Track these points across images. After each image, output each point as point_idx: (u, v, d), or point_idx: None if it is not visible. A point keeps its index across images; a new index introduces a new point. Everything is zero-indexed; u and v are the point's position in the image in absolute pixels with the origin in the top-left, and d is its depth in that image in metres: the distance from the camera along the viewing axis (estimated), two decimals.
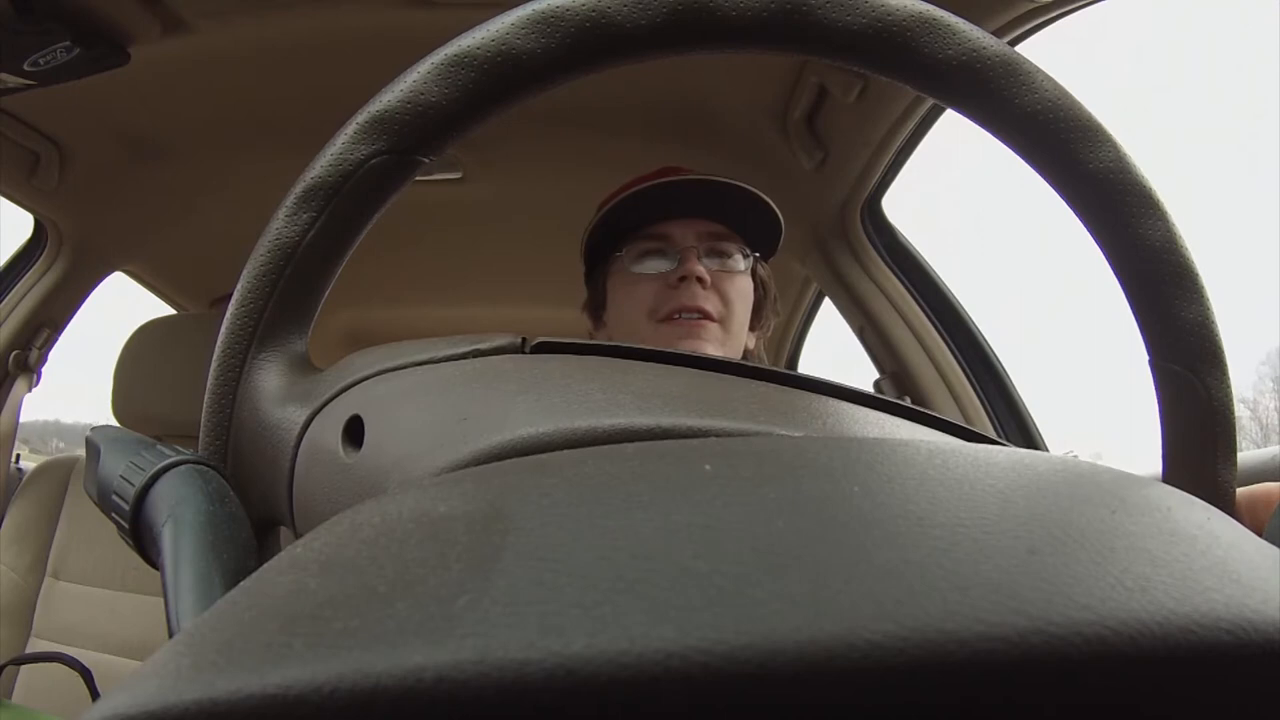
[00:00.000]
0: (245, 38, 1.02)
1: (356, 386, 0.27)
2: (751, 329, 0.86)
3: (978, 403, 1.19)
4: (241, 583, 0.16)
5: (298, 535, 0.28)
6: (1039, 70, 0.27)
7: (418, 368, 0.28)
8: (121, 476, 0.27)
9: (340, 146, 0.27)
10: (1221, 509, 0.29)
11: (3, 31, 0.88)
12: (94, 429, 0.30)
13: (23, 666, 1.17)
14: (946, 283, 1.26)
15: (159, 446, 0.28)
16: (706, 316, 0.79)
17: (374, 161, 0.27)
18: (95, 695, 0.88)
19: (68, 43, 0.92)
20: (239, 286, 0.29)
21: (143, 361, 1.22)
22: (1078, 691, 0.12)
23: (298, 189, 0.28)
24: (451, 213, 1.45)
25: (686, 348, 0.77)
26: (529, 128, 1.17)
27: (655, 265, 0.81)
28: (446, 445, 0.23)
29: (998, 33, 0.84)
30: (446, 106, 0.26)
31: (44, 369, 1.46)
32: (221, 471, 0.28)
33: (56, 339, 1.45)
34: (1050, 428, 1.21)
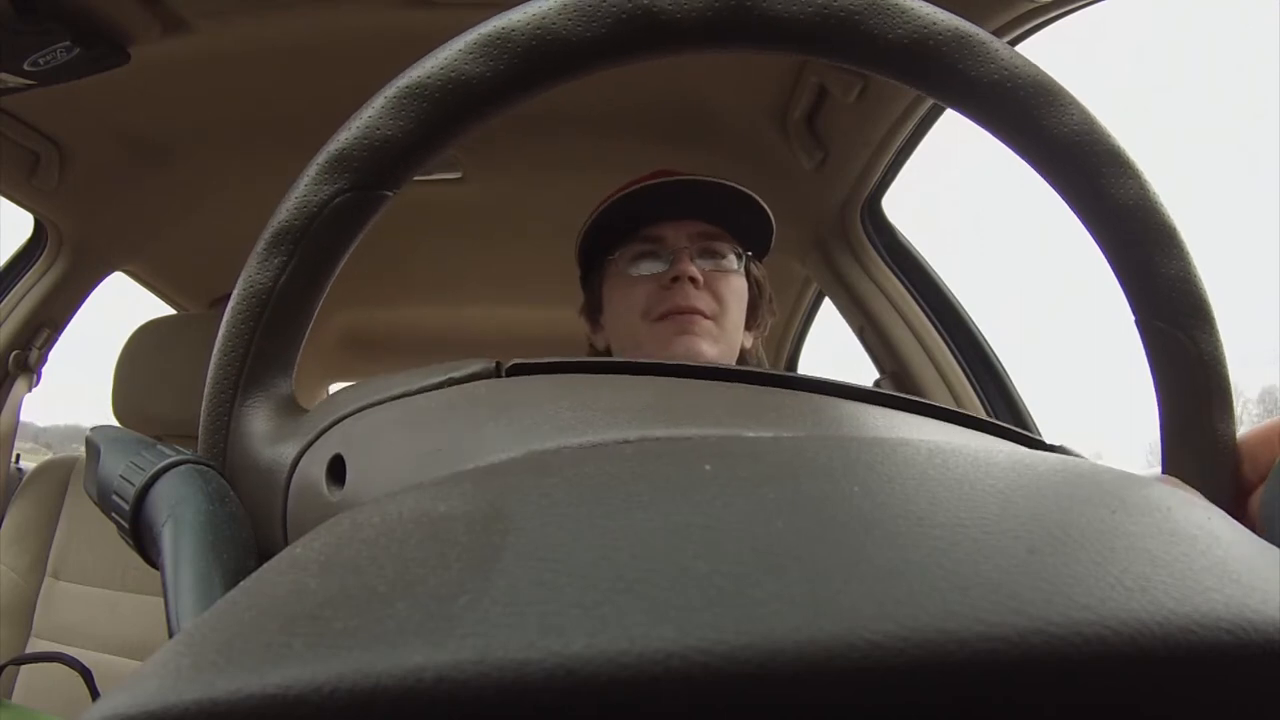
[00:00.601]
0: (245, 38, 1.02)
1: (337, 425, 0.27)
2: (747, 328, 0.86)
3: (978, 402, 1.19)
4: (241, 583, 0.16)
5: None
6: (994, 40, 0.26)
7: (394, 402, 0.28)
8: (121, 476, 0.27)
9: (303, 189, 0.27)
10: (1223, 461, 0.29)
11: (3, 31, 0.88)
12: (94, 429, 0.30)
13: (23, 666, 1.17)
14: (946, 283, 1.26)
15: (159, 446, 0.28)
16: (700, 315, 0.79)
17: (337, 201, 0.27)
18: (95, 695, 0.88)
19: (68, 43, 0.92)
20: (220, 334, 0.29)
21: (143, 361, 1.22)
22: (1078, 691, 0.12)
23: (266, 234, 0.28)
24: (451, 213, 1.45)
25: (681, 344, 0.77)
26: (529, 129, 1.17)
27: (649, 267, 0.81)
28: (422, 479, 0.23)
29: (998, 32, 0.84)
30: (402, 139, 0.26)
31: (44, 369, 1.45)
32: (221, 472, 0.28)
33: (56, 339, 1.45)
34: (1050, 427, 1.21)
